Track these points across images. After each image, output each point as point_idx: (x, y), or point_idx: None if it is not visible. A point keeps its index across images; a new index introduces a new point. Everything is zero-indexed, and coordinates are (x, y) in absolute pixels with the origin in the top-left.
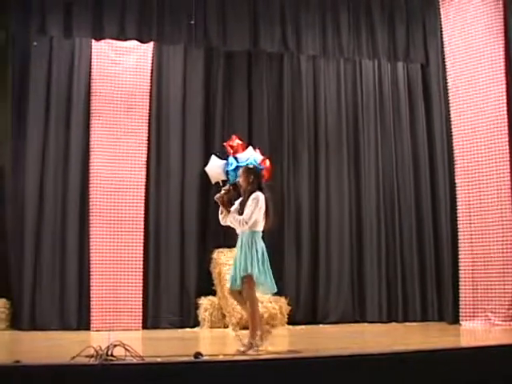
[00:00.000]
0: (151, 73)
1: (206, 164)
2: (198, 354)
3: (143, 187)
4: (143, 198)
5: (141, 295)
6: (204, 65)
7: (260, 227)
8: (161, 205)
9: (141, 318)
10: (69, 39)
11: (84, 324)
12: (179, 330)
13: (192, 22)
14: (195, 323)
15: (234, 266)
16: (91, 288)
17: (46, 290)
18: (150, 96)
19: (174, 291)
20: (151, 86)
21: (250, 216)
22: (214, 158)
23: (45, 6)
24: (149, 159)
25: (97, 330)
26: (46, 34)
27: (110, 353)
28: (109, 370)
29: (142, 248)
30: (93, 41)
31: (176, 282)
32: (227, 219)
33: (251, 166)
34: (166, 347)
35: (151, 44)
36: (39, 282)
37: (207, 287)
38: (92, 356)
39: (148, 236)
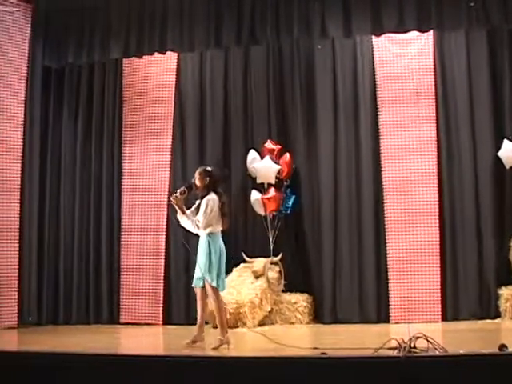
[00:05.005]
0: (434, 61)
1: (498, 149)
2: (502, 346)
3: (435, 178)
4: (436, 187)
5: (439, 287)
6: (487, 46)
7: (216, 229)
8: (454, 194)
9: (440, 309)
10: (349, 38)
11: (383, 317)
12: (479, 322)
13: (472, 4)
14: (496, 314)
15: (197, 266)
16: (389, 282)
17: (346, 285)
18: (435, 84)
19: (472, 282)
20: (435, 74)
21: (201, 218)
22: (506, 141)
23: (325, 8)
24: (439, 148)
25: (396, 323)
26: (328, 35)
27: (413, 345)
28: (413, 361)
29: (438, 239)
30: (373, 37)
31: (474, 272)
32: (182, 221)
33: (208, 169)
34: (466, 339)
35: (431, 33)
36: (338, 277)
37: (508, 276)
38: (395, 348)
39: (443, 227)
